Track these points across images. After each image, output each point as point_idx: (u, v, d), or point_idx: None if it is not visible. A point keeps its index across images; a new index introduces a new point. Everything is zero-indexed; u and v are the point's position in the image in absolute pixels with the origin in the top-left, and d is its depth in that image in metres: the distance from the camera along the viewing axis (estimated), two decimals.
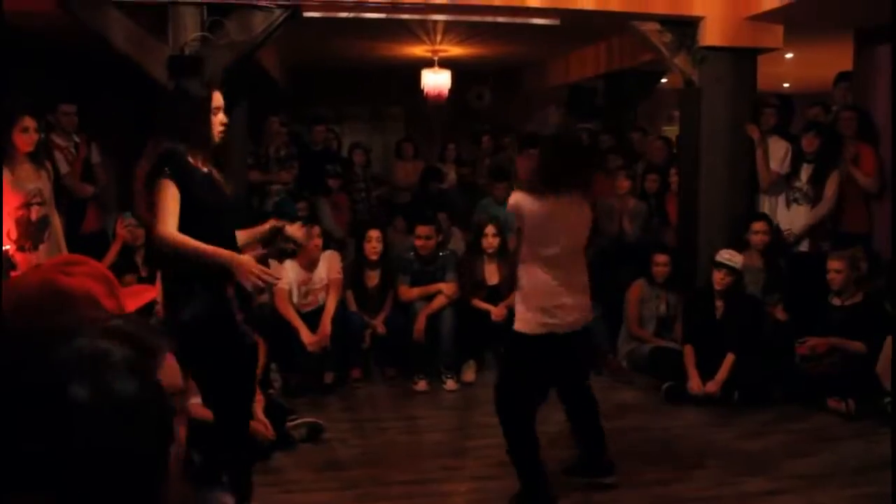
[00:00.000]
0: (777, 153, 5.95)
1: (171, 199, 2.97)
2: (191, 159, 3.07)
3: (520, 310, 3.49)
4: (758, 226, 5.59)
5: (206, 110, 3.09)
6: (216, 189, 3.14)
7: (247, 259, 3.03)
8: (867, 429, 4.57)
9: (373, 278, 5.71)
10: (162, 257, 3.10)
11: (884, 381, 4.84)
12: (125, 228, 5.31)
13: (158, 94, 4.58)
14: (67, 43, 5.80)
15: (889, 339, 4.89)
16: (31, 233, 4.44)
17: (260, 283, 3.05)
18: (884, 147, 5.94)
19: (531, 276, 3.46)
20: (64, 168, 5.49)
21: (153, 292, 1.63)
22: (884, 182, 5.82)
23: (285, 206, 6.75)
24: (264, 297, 5.26)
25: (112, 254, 5.24)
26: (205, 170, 3.11)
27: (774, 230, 5.75)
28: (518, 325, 3.49)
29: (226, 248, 3.03)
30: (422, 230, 5.60)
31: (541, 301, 3.43)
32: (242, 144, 5.88)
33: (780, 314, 5.44)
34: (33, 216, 4.46)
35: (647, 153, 7.48)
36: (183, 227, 2.97)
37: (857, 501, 3.64)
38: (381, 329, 5.54)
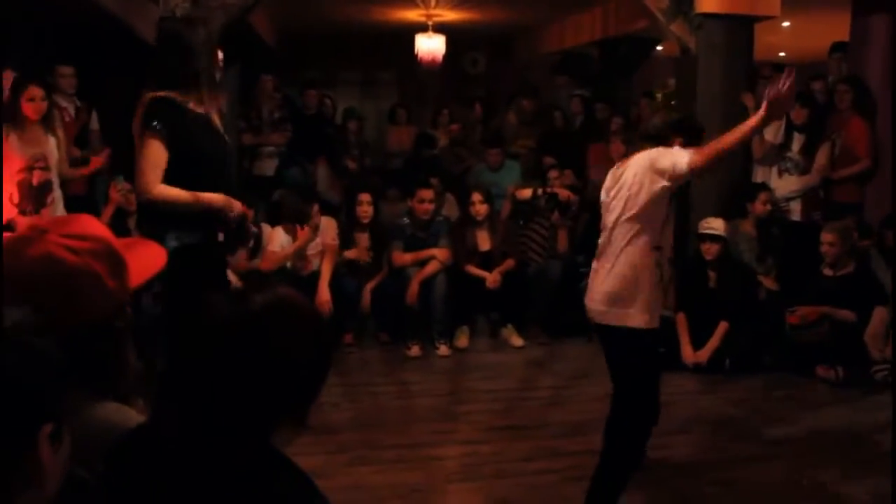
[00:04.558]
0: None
1: (151, 154, 2.81)
2: (188, 103, 2.89)
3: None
4: (764, 196, 5.60)
5: (198, 46, 2.92)
6: (214, 132, 2.99)
7: (238, 203, 2.95)
8: (855, 396, 4.63)
9: (363, 241, 5.71)
10: (145, 213, 2.96)
11: (872, 350, 4.90)
12: (118, 193, 5.29)
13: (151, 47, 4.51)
14: (58, 5, 5.73)
15: (879, 310, 4.95)
16: (33, 196, 4.44)
17: (237, 225, 2.95)
18: (882, 119, 5.93)
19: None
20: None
21: (161, 258, 1.54)
22: (876, 160, 5.81)
23: (289, 176, 6.77)
24: (255, 262, 5.27)
25: (105, 218, 5.21)
26: (202, 111, 2.94)
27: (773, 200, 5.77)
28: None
29: (226, 193, 2.92)
30: (424, 194, 5.59)
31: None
32: (234, 107, 5.85)
33: (770, 283, 5.48)
34: (35, 180, 4.45)
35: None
36: (182, 176, 2.83)
37: (844, 467, 3.68)
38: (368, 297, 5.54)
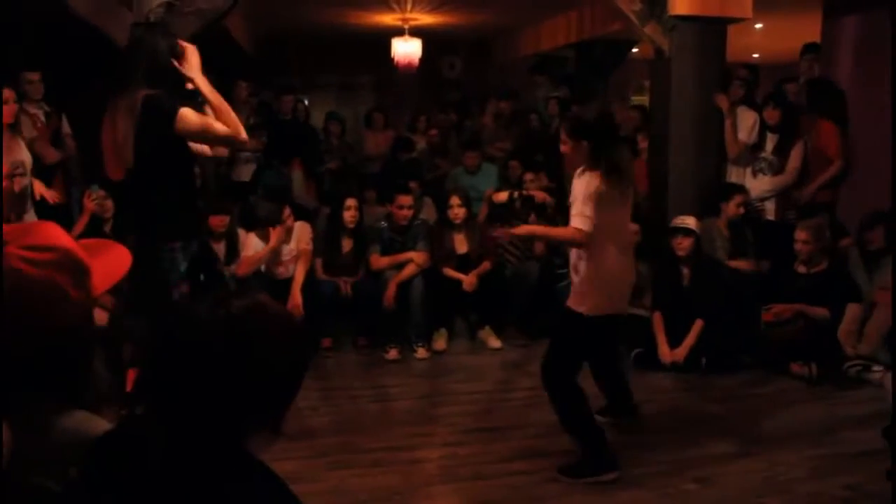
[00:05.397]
0: (745, 123, 6.00)
1: (196, 117, 2.99)
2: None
3: None
4: (740, 198, 5.65)
5: (173, 52, 3.09)
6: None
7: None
8: (828, 392, 4.69)
9: (347, 245, 5.69)
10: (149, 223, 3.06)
11: (845, 347, 4.96)
12: (93, 202, 5.25)
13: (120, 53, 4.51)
14: (26, 8, 5.67)
15: (852, 306, 5.01)
16: (15, 204, 4.41)
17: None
18: (855, 120, 6.00)
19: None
20: (30, 133, 5.39)
21: (126, 261, 1.47)
22: (848, 162, 5.90)
23: (269, 179, 6.76)
24: (232, 268, 5.25)
25: (80, 227, 5.16)
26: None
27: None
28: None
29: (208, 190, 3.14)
30: (403, 200, 5.60)
31: None
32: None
33: (745, 265, 5.54)
34: (16, 187, 4.42)
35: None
36: (180, 171, 3.00)
37: (818, 462, 3.73)
38: (347, 290, 5.52)
